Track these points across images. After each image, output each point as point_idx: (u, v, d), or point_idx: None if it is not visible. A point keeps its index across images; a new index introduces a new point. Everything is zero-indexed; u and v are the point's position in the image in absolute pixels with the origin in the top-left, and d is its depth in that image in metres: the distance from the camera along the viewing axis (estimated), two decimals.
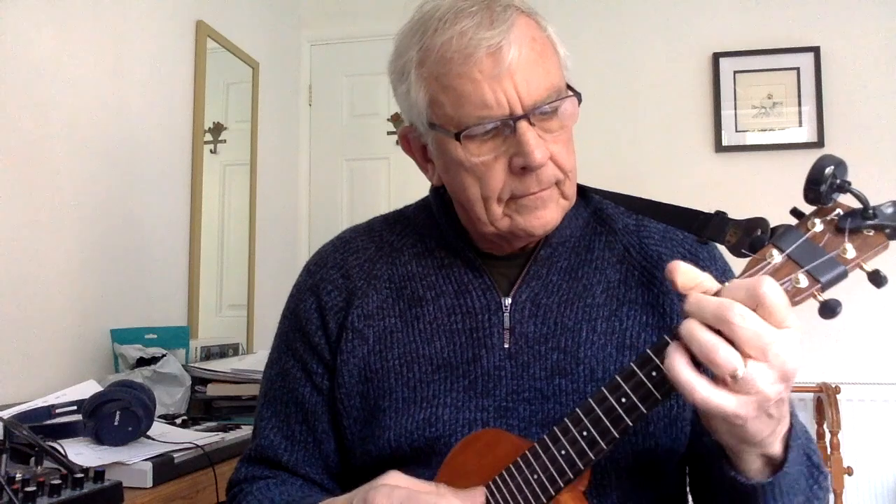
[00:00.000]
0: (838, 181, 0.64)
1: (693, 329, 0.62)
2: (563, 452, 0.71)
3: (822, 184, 0.64)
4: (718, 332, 0.61)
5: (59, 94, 1.80)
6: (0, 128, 1.64)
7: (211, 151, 2.52)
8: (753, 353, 0.60)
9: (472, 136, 0.81)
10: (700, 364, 0.62)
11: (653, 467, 0.85)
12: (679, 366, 0.62)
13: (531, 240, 0.90)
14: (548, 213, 0.85)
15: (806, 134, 2.92)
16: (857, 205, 0.65)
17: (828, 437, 2.63)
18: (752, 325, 0.60)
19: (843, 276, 0.64)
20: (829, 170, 0.64)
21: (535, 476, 0.73)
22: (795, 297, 0.64)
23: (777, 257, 0.65)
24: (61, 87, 1.81)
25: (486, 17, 0.80)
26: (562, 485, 0.72)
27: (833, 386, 2.67)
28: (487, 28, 0.79)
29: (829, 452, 2.59)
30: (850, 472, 2.60)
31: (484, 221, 0.86)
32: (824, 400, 2.67)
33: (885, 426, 2.72)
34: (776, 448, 0.69)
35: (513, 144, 0.81)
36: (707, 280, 0.66)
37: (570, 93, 0.84)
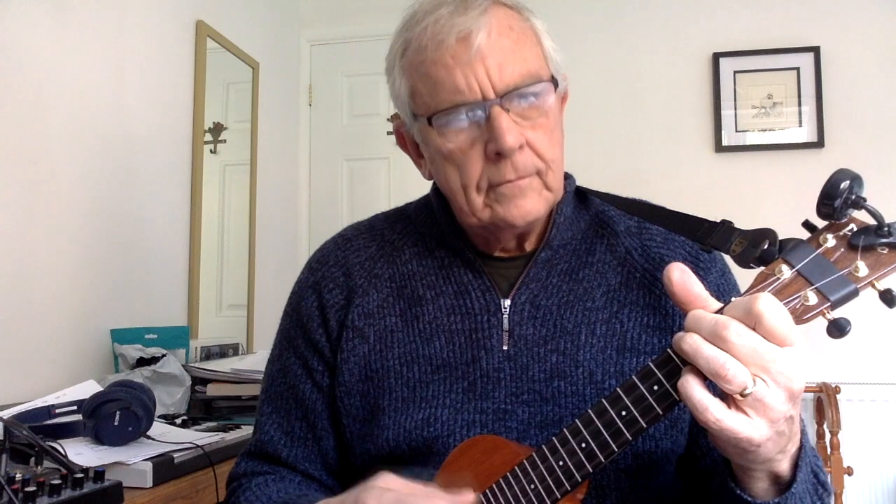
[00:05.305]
0: (853, 197, 0.62)
1: (698, 344, 0.61)
2: (560, 464, 0.70)
3: (837, 198, 0.62)
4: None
5: (59, 94, 1.80)
6: (0, 127, 1.64)
7: (211, 151, 2.52)
8: (755, 371, 0.59)
9: (447, 121, 0.82)
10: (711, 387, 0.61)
11: (652, 468, 0.85)
12: (692, 385, 0.61)
13: (516, 231, 0.88)
14: (528, 203, 0.83)
15: (806, 134, 2.91)
16: (871, 221, 0.63)
17: (828, 437, 2.63)
18: (749, 343, 0.59)
19: (854, 294, 0.62)
20: (844, 184, 0.62)
21: (533, 486, 0.72)
22: (804, 314, 0.62)
23: (786, 273, 0.63)
24: (61, 87, 1.81)
25: (461, 5, 0.82)
26: (559, 496, 0.71)
27: (833, 386, 2.67)
28: (460, 15, 0.81)
29: (829, 452, 2.59)
30: (850, 472, 2.60)
31: (466, 212, 0.86)
32: (824, 400, 2.67)
33: (885, 426, 2.72)
34: (784, 466, 0.67)
35: (487, 130, 0.81)
36: (708, 297, 0.64)
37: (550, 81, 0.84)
